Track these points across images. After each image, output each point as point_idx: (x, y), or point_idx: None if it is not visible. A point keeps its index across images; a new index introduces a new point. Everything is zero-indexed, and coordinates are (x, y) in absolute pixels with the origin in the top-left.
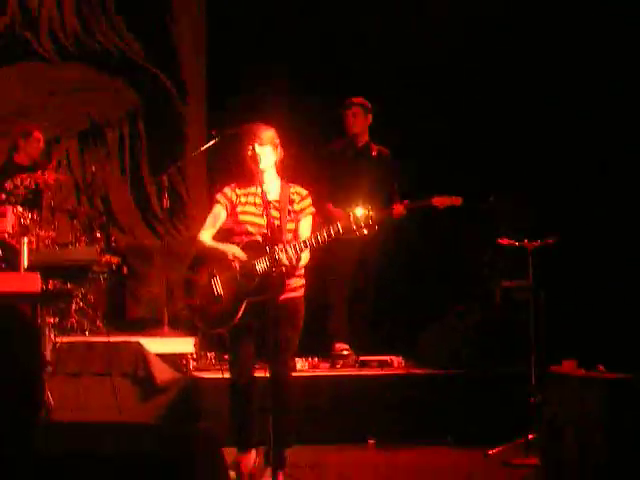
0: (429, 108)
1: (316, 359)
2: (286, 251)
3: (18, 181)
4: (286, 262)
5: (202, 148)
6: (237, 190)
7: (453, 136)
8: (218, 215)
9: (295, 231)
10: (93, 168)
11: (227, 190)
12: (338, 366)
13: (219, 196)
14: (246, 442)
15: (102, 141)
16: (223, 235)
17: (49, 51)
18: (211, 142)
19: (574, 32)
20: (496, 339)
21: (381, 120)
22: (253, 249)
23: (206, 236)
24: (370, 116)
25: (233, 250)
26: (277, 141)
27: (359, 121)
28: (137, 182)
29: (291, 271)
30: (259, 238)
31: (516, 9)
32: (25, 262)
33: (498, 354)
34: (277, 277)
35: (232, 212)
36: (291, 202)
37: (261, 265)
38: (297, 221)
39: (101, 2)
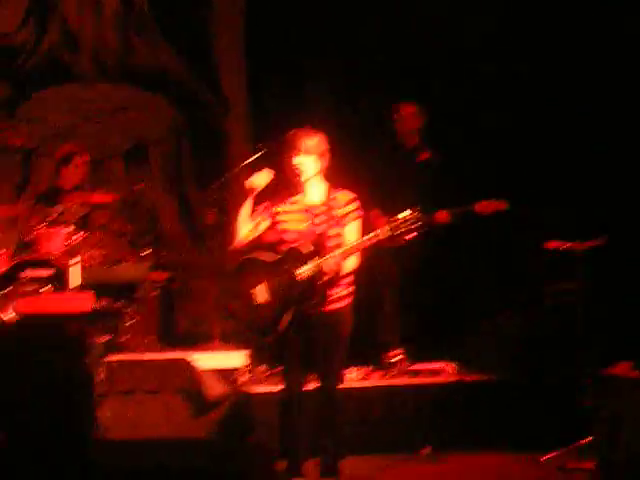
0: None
1: (368, 368)
2: (329, 259)
3: (64, 207)
4: (329, 269)
5: (247, 161)
6: (278, 202)
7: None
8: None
9: (340, 237)
10: (139, 186)
11: (267, 203)
12: (391, 374)
13: (260, 207)
14: (296, 455)
15: (147, 159)
16: (266, 249)
17: (91, 72)
18: (256, 155)
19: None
20: (546, 343)
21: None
22: (296, 257)
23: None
24: (420, 119)
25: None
26: (322, 148)
27: (406, 123)
28: (183, 199)
29: (335, 279)
30: (302, 246)
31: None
32: (79, 281)
33: (549, 358)
34: (321, 285)
35: (272, 221)
36: (336, 207)
37: (304, 273)
38: (342, 226)
39: (141, 20)
